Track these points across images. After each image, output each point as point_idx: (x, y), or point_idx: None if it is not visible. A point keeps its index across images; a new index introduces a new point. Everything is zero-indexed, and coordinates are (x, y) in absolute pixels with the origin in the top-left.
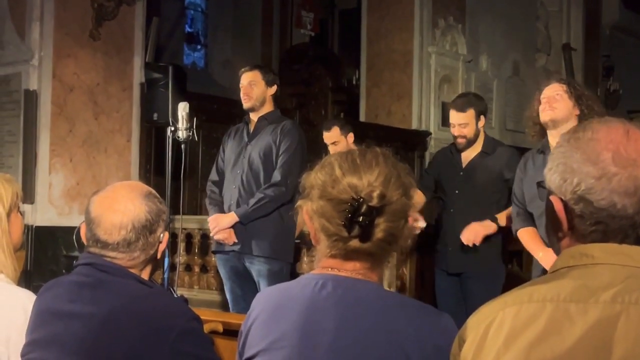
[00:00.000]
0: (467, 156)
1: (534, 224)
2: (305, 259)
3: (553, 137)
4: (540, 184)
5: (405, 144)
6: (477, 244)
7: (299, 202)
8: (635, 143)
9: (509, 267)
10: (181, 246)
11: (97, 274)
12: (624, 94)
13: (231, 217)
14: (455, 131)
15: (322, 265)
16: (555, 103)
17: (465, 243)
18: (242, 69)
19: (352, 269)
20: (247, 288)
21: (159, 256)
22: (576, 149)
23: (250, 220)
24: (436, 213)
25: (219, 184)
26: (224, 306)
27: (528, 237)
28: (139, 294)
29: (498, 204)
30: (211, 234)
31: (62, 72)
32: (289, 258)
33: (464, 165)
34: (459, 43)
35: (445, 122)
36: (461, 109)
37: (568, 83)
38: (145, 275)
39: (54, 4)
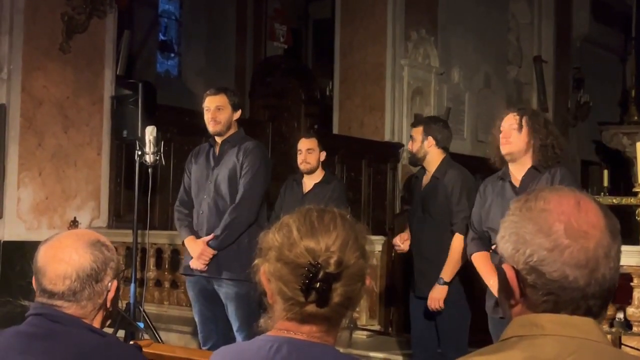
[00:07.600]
0: (425, 180)
1: (488, 249)
2: None
3: (513, 167)
4: None
5: (378, 156)
6: (442, 305)
7: (257, 261)
8: (586, 215)
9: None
10: (151, 261)
11: (49, 325)
12: (594, 105)
13: (209, 252)
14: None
15: (278, 327)
16: (510, 137)
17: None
18: (207, 92)
19: (308, 332)
20: (215, 310)
21: (108, 305)
22: (528, 220)
23: (225, 247)
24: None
25: (187, 205)
26: (194, 323)
27: (481, 263)
28: (92, 345)
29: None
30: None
31: (32, 85)
32: None
33: (422, 189)
34: (431, 55)
35: None
36: None
37: (523, 114)
38: (96, 323)
39: (24, 17)
